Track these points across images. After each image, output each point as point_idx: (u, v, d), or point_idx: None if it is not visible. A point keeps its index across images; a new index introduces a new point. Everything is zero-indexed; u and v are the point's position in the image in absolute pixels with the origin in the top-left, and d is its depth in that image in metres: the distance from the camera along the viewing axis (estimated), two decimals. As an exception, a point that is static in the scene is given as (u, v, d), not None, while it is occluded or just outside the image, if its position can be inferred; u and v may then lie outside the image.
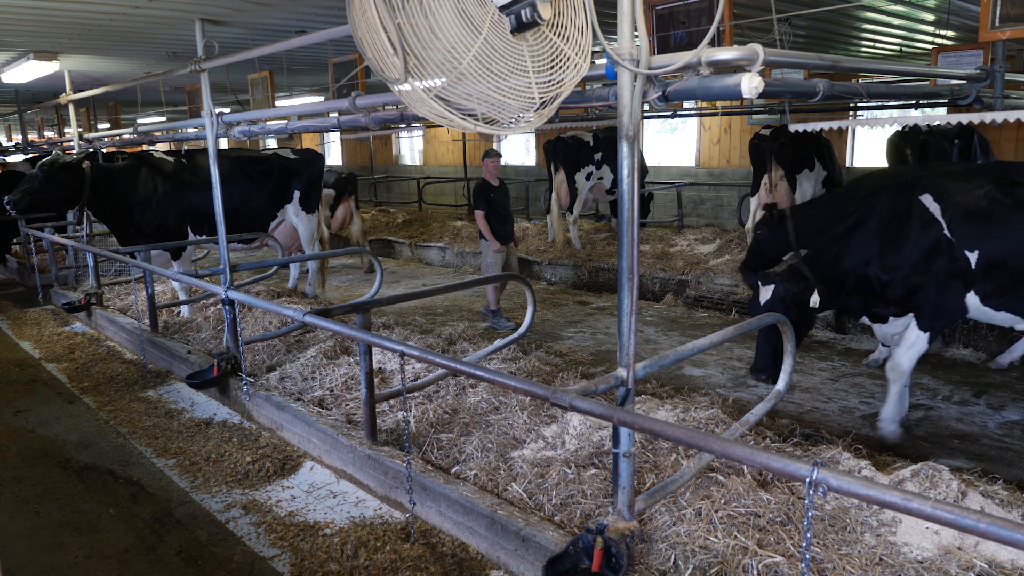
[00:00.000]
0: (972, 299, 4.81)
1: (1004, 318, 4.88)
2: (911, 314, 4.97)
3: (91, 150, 9.75)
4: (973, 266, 4.72)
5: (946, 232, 4.74)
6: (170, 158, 8.21)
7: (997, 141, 9.23)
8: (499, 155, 8.22)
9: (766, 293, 4.91)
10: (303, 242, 9.09)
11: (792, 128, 3.96)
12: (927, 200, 4.84)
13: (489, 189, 8.03)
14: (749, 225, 9.66)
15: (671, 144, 17.48)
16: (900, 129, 8.59)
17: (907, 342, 4.92)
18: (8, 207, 7.54)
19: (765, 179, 9.31)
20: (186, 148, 13.06)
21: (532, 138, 18.32)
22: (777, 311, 4.69)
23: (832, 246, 5.03)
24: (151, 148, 11.78)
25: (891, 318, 5.12)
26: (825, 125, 3.88)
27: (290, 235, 9.04)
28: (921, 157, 8.25)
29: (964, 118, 3.66)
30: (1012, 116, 3.23)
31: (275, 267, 8.96)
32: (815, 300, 4.79)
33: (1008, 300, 4.78)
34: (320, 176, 9.27)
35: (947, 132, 8.31)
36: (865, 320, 5.32)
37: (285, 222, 8.94)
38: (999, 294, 4.75)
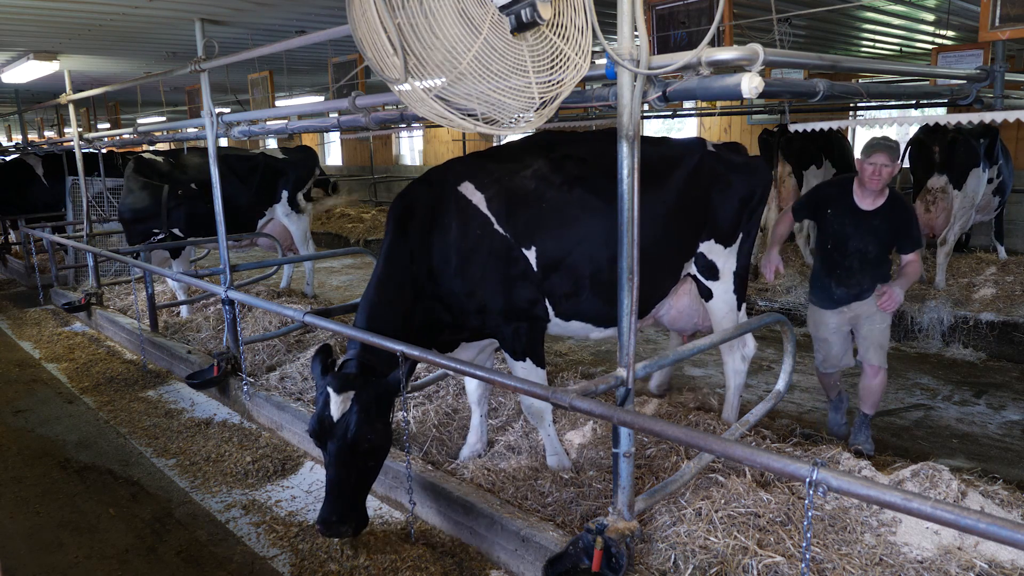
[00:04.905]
0: (547, 308, 4.02)
1: (577, 328, 4.15)
2: (486, 341, 4.18)
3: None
4: (535, 267, 3.89)
5: (497, 227, 3.85)
6: (158, 158, 8.25)
7: (997, 141, 9.20)
8: None
9: (337, 406, 3.45)
10: (296, 241, 8.98)
11: (792, 128, 3.95)
12: (467, 190, 3.91)
13: None
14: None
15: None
16: (926, 125, 8.01)
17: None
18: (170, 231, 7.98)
19: (772, 175, 9.26)
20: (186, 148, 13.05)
21: (532, 138, 18.30)
22: (362, 430, 3.42)
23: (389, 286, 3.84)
24: (150, 148, 11.77)
25: (462, 343, 4.21)
26: (825, 125, 3.88)
27: (280, 234, 8.91)
28: (950, 156, 7.53)
29: (964, 118, 3.65)
30: (1012, 116, 3.23)
31: (275, 267, 8.93)
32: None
33: (575, 305, 4.01)
34: (310, 174, 9.09)
35: (974, 131, 7.70)
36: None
37: (275, 221, 8.85)
38: (566, 300, 3.99)
